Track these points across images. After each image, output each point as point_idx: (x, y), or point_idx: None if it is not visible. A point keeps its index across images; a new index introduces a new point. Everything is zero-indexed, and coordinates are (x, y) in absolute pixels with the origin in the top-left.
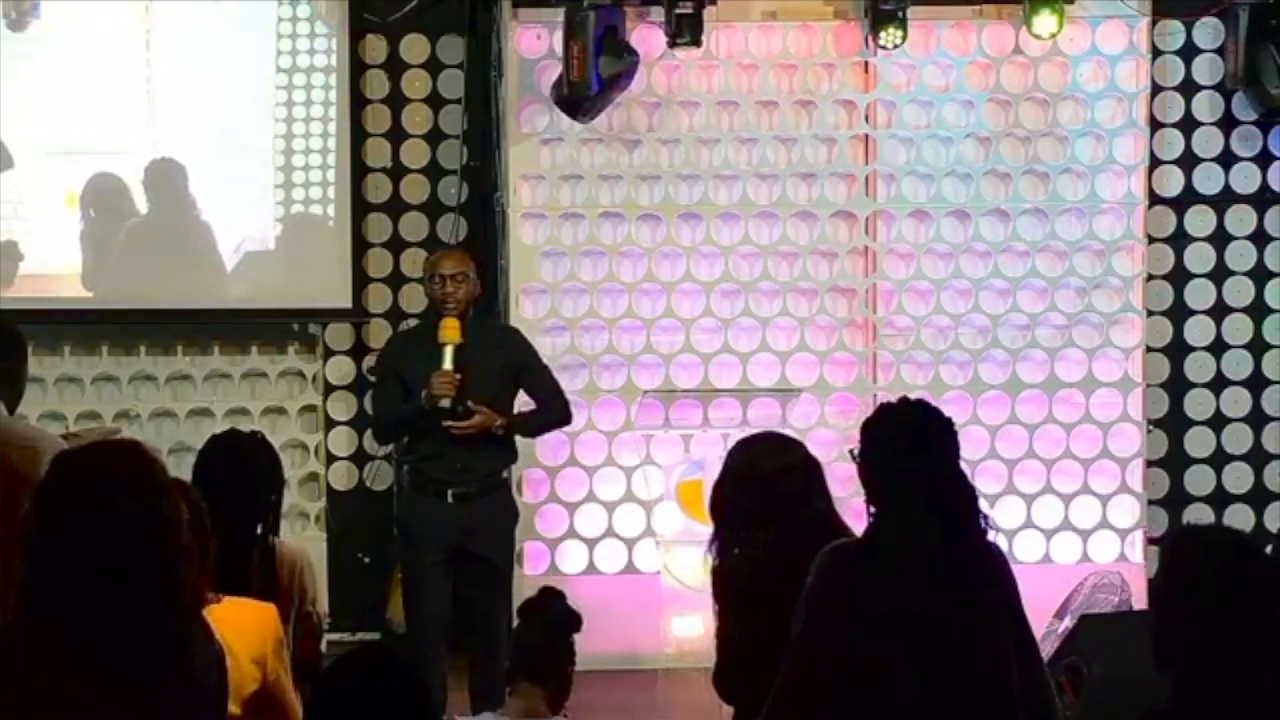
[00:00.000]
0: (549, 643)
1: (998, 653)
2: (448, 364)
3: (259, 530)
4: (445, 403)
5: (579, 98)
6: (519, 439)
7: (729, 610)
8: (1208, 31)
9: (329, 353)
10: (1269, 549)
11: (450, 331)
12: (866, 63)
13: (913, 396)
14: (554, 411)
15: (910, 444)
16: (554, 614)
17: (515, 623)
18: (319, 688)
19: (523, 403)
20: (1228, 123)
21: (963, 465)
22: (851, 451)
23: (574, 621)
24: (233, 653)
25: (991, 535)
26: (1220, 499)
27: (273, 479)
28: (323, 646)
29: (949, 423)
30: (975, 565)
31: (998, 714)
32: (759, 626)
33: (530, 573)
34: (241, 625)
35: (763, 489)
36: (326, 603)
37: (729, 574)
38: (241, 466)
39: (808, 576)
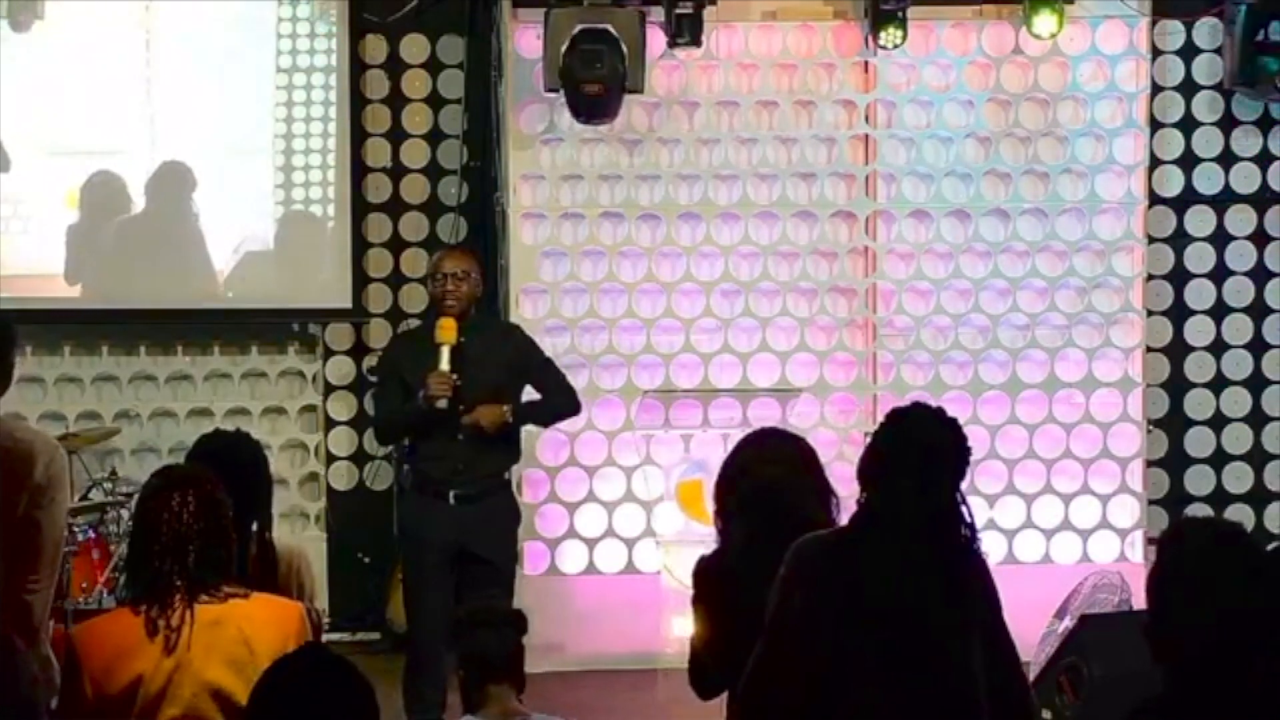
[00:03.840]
0: (506, 642)
1: (965, 661)
2: (444, 365)
3: (254, 528)
4: (442, 403)
5: (574, 98)
6: (520, 439)
7: (698, 606)
8: (1208, 31)
9: (329, 353)
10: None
11: (447, 332)
12: (866, 63)
13: (934, 402)
14: (567, 401)
15: (919, 460)
16: (501, 615)
17: (464, 635)
18: (257, 690)
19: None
20: (1228, 123)
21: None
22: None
23: (520, 620)
24: (251, 647)
25: (981, 547)
26: (1220, 499)
27: (261, 477)
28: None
29: (964, 443)
30: (954, 573)
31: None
32: (729, 623)
33: (530, 573)
34: (262, 621)
35: (749, 485)
36: (326, 600)
37: (702, 569)
38: (229, 466)
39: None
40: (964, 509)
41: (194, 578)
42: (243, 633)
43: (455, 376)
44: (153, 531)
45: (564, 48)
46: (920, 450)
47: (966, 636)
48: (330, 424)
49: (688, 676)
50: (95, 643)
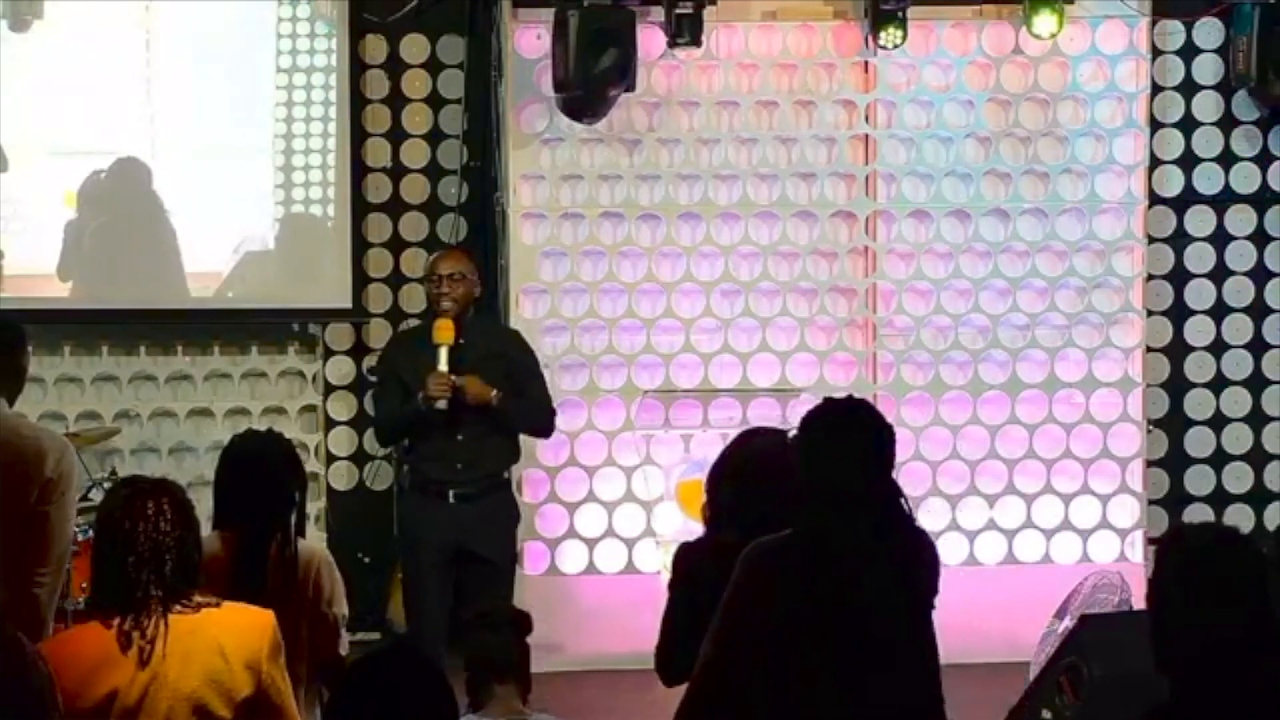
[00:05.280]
0: (510, 643)
1: (921, 638)
2: (442, 365)
3: (282, 531)
4: (441, 404)
5: (572, 97)
6: (519, 438)
7: (674, 592)
8: (1208, 31)
9: (329, 353)
10: (1267, 548)
11: (444, 333)
12: (866, 63)
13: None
14: (541, 418)
15: (857, 450)
16: (505, 616)
17: (468, 636)
18: (343, 687)
19: None
20: (1228, 123)
21: (961, 464)
22: (790, 437)
23: (525, 621)
24: (226, 657)
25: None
26: (1220, 499)
27: (297, 476)
28: (343, 648)
29: (890, 429)
30: (904, 565)
31: (922, 711)
32: (702, 614)
33: (530, 573)
34: (236, 630)
35: (743, 484)
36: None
37: (682, 556)
38: (265, 465)
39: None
40: (903, 498)
41: (169, 587)
42: (217, 642)
43: (453, 377)
44: (128, 541)
45: (572, 46)
46: (859, 441)
47: (914, 615)
48: (330, 424)
49: (655, 660)
50: (67, 657)
